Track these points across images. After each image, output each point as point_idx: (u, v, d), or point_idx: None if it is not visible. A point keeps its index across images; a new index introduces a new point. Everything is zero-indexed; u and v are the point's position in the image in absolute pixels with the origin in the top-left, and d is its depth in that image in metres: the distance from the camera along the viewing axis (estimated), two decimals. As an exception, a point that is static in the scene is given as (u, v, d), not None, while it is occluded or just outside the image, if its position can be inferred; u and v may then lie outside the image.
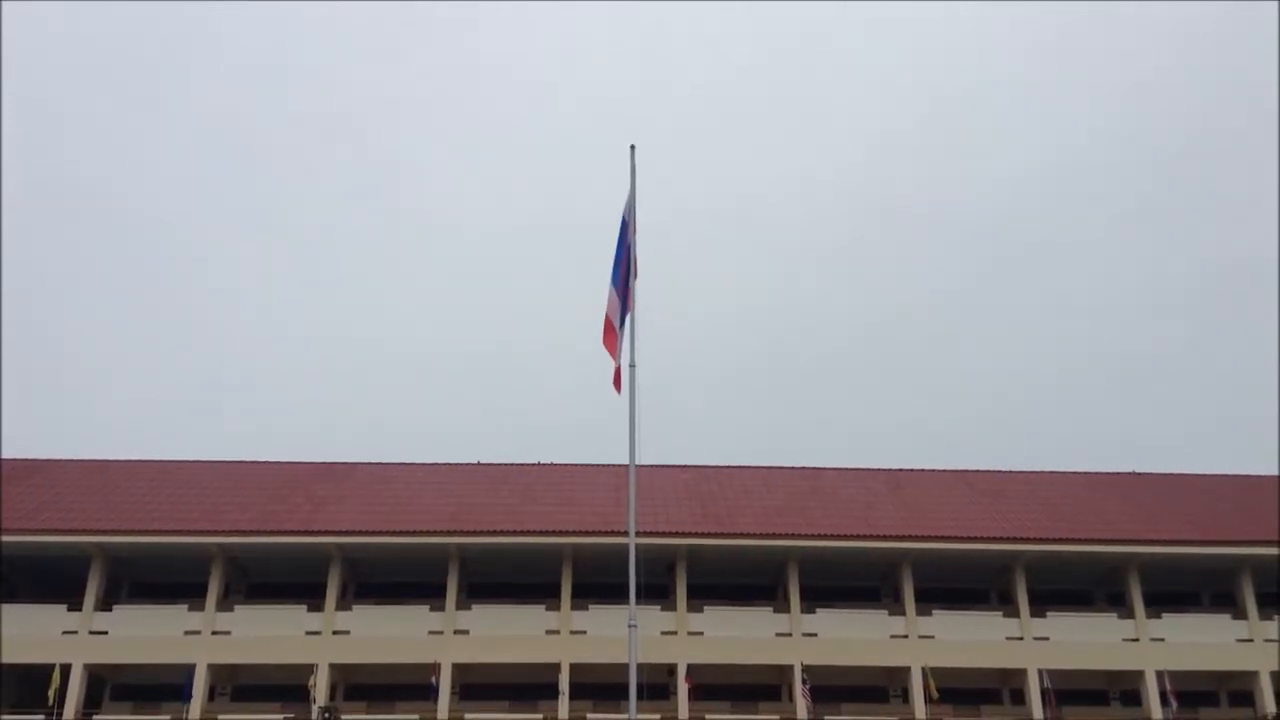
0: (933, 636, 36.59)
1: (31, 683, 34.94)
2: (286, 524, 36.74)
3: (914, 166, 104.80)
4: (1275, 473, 45.45)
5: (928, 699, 35.00)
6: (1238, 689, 37.64)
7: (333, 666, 35.43)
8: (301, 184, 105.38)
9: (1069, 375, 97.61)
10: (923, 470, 44.55)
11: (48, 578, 37.99)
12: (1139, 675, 36.29)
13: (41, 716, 33.83)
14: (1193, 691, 37.00)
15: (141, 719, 36.25)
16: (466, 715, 35.53)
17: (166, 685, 35.38)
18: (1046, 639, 36.72)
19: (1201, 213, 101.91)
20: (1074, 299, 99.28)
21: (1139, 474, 45.26)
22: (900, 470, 44.41)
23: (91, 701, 36.02)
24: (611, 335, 19.00)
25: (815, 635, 36.45)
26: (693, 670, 35.34)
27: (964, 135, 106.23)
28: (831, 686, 36.04)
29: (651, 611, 35.36)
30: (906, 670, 35.93)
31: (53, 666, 34.04)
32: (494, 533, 36.41)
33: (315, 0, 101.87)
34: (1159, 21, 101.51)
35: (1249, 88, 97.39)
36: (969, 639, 36.54)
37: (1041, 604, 37.75)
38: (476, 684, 37.02)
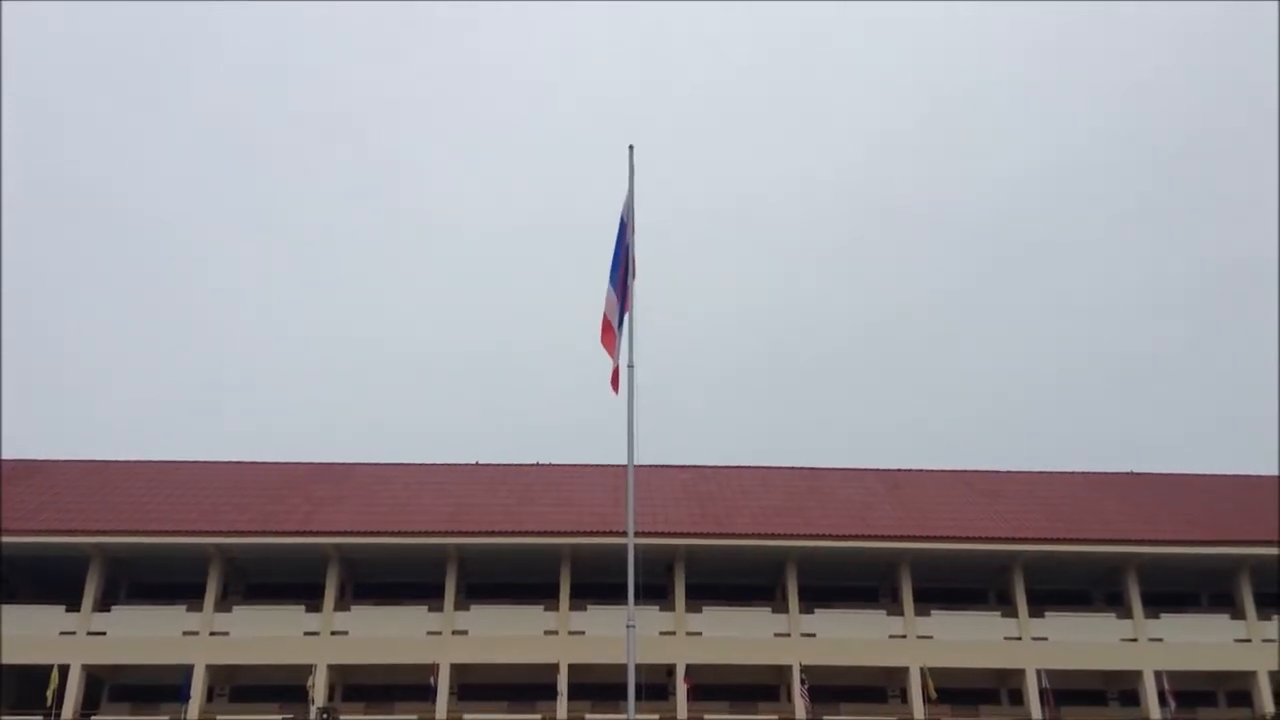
0: (931, 636, 36.61)
1: (30, 683, 34.91)
2: (285, 524, 36.74)
3: (914, 166, 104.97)
4: (1274, 473, 45.52)
5: (926, 699, 35.02)
6: (1236, 689, 37.66)
7: (331, 667, 35.42)
8: (301, 184, 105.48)
9: (1069, 375, 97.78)
10: (921, 470, 44.57)
11: (46, 578, 37.97)
12: (1137, 675, 36.31)
13: (40, 717, 33.81)
14: (1191, 691, 37.02)
15: (140, 720, 36.30)
16: (465, 716, 35.54)
17: (165, 686, 35.34)
18: (1045, 639, 36.74)
19: (1201, 213, 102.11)
20: (1074, 299, 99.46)
21: (1137, 474, 45.29)
22: (898, 470, 44.43)
23: (90, 702, 36.01)
24: (610, 335, 18.99)
25: (814, 635, 36.46)
26: (691, 670, 35.36)
27: (964, 135, 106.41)
28: (830, 687, 36.04)
29: (650, 612, 35.34)
30: (905, 670, 35.94)
31: (51, 667, 34.03)
32: (492, 533, 36.41)
33: (315, 0, 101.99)
34: (1159, 21, 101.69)
35: (1249, 88, 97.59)
36: (967, 639, 36.56)
37: (1040, 604, 37.77)
38: (475, 684, 37.02)
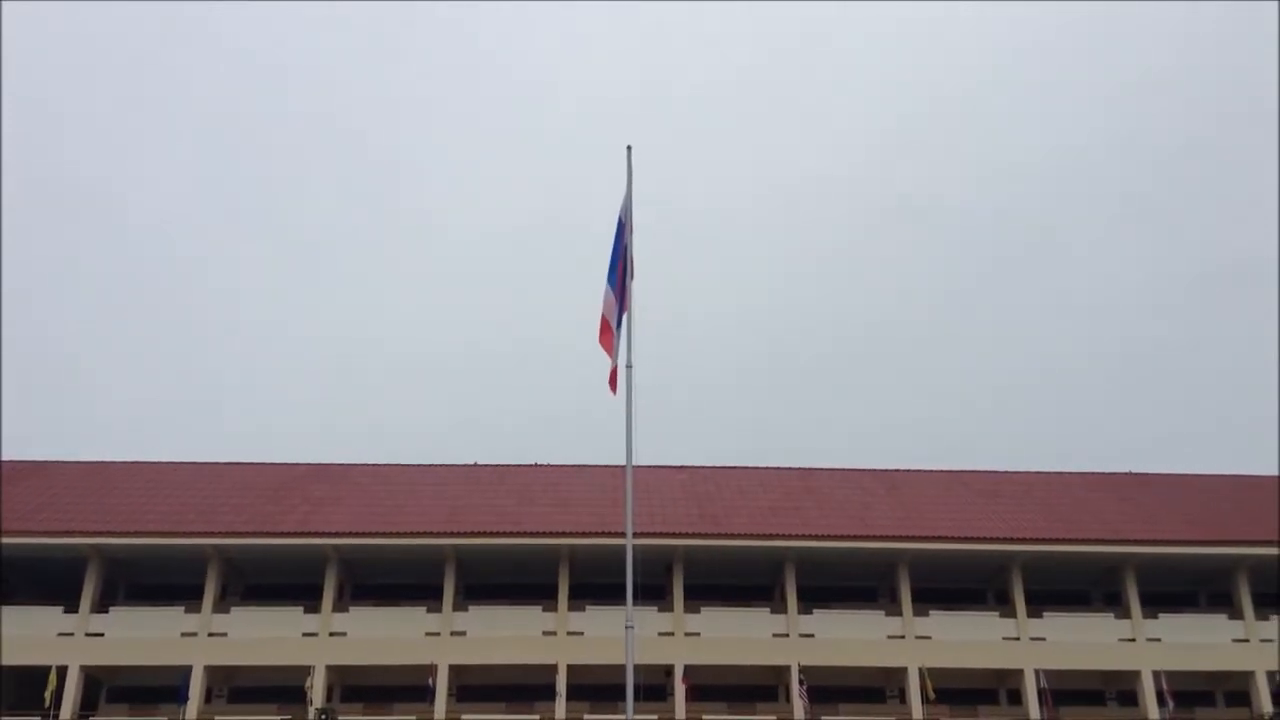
0: (929, 637, 36.61)
1: (28, 684, 34.87)
2: (283, 525, 36.72)
3: (914, 166, 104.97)
4: (1274, 473, 45.55)
5: (925, 699, 35.02)
6: (1234, 689, 37.69)
7: (329, 668, 35.40)
8: (301, 184, 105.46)
9: (1068, 375, 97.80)
10: (919, 470, 44.60)
11: (44, 579, 37.94)
12: (1135, 675, 36.31)
13: (38, 718, 33.78)
14: (1189, 691, 37.03)
15: (138, 721, 36.24)
16: (463, 716, 35.53)
17: (163, 687, 35.30)
18: (1043, 639, 36.75)
19: (1201, 213, 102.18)
20: (1074, 299, 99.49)
21: (1135, 474, 45.33)
22: (896, 470, 44.46)
23: (88, 703, 35.98)
24: (608, 335, 19.02)
25: (812, 636, 36.46)
26: (690, 671, 35.35)
27: (964, 135, 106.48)
28: (828, 687, 36.04)
29: (648, 612, 35.34)
30: (903, 670, 35.94)
31: (49, 668, 33.99)
32: (491, 534, 36.40)
33: (315, 0, 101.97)
34: (1159, 21, 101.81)
35: (1249, 88, 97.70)
36: (966, 639, 36.57)
37: (1038, 604, 37.77)
38: (473, 685, 37.01)
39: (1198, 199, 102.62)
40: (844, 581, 39.09)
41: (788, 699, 35.90)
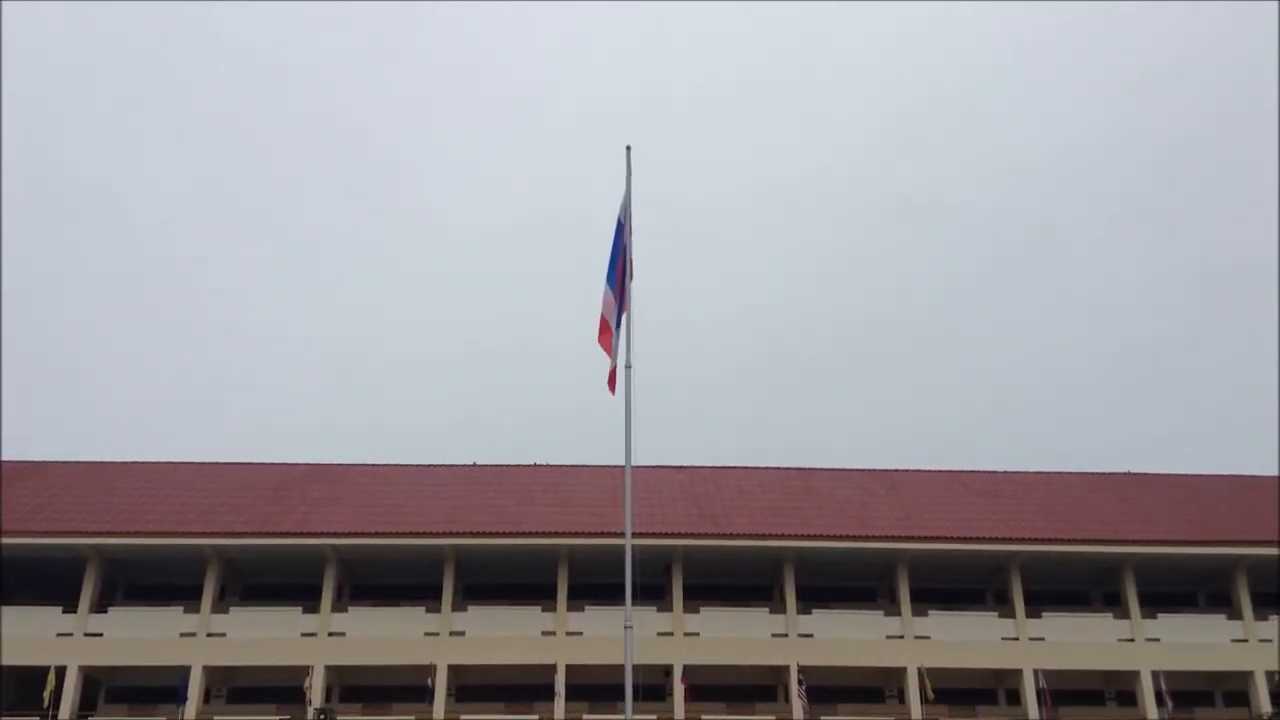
0: (928, 637, 36.62)
1: (27, 685, 34.86)
2: (282, 525, 36.71)
3: (913, 166, 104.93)
4: (1273, 473, 45.56)
5: (923, 699, 35.03)
6: (1233, 689, 37.70)
7: (328, 668, 35.39)
8: (301, 184, 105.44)
9: (1067, 375, 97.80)
10: (918, 470, 44.61)
11: (43, 579, 37.91)
12: (1134, 675, 36.32)
13: (37, 718, 33.76)
14: (1188, 691, 37.05)
15: (137, 721, 36.23)
16: (462, 716, 35.52)
17: (162, 687, 35.29)
18: (1042, 639, 36.76)
19: (1201, 213, 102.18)
20: (1073, 299, 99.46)
21: (1134, 474, 45.34)
22: (895, 471, 44.47)
23: (87, 704, 35.96)
24: (607, 335, 19.06)
25: (811, 636, 36.46)
26: (689, 671, 35.35)
27: (964, 135, 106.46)
28: (827, 687, 36.04)
29: (647, 612, 35.34)
30: (902, 670, 35.95)
31: (48, 668, 33.98)
32: (490, 534, 36.39)
33: (315, 0, 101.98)
34: (1159, 21, 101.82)
35: (1249, 88, 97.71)
36: (964, 639, 36.57)
37: (1037, 604, 37.78)
38: (472, 685, 37.01)
39: (1198, 199, 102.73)
40: (843, 581, 39.09)
41: (787, 699, 35.90)
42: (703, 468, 43.94)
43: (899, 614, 37.00)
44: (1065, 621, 37.49)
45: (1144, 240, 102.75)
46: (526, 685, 35.78)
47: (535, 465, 44.15)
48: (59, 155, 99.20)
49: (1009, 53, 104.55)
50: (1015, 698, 36.94)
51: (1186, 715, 37.03)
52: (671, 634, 36.04)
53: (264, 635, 35.73)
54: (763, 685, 37.53)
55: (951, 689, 36.36)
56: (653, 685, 34.67)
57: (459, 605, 37.03)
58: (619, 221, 19.90)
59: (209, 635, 35.72)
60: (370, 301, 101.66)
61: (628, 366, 18.86)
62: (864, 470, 44.35)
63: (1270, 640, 36.79)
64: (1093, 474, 44.97)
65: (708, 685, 36.30)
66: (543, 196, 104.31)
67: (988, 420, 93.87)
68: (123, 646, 35.48)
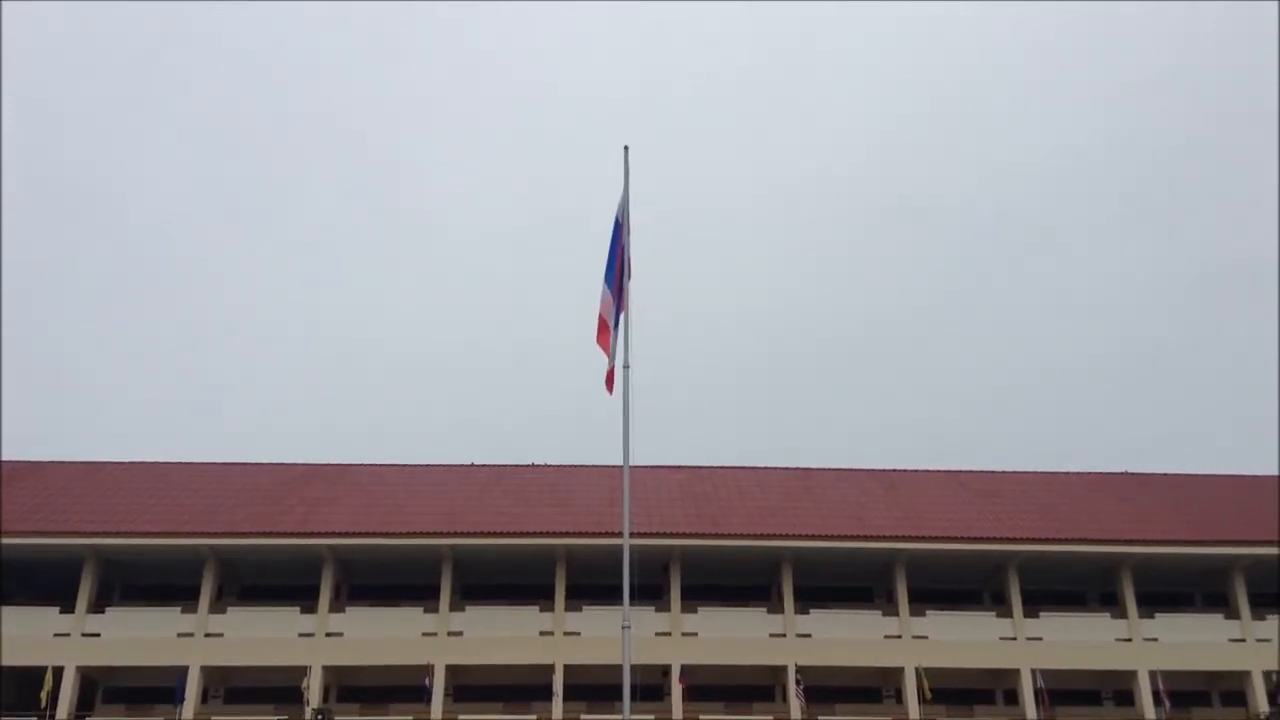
0: (926, 637, 36.63)
1: (24, 685, 34.82)
2: (280, 526, 36.68)
3: (913, 166, 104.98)
4: (1273, 473, 45.58)
5: (921, 699, 35.05)
6: (1230, 689, 37.73)
7: (326, 668, 35.37)
8: (301, 184, 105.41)
9: (1068, 375, 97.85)
10: (916, 470, 44.62)
11: (40, 580, 37.86)
12: (1132, 675, 36.34)
13: (34, 719, 33.72)
14: (1186, 691, 37.07)
15: (134, 721, 36.20)
16: (460, 717, 35.50)
17: (159, 688, 35.26)
18: (1040, 639, 36.77)
19: (1201, 213, 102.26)
20: (1073, 299, 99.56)
21: (1132, 474, 45.36)
22: (893, 470, 44.48)
23: (84, 704, 35.93)
24: (605, 335, 19.07)
25: (809, 636, 36.46)
26: (687, 671, 35.34)
27: (963, 135, 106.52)
28: (825, 687, 36.05)
29: (646, 612, 35.34)
30: (900, 670, 35.96)
31: (45, 669, 33.94)
32: (488, 534, 36.38)
33: (315, 0, 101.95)
34: (1159, 21, 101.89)
35: (1249, 88, 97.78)
36: (962, 639, 36.58)
37: (1035, 604, 37.79)
38: (470, 685, 36.99)
39: (1198, 199, 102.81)
40: (841, 581, 39.09)
41: (785, 699, 35.90)
42: (701, 468, 43.93)
43: (897, 614, 37.01)
44: (1063, 621, 37.50)
45: (1144, 240, 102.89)
46: (524, 685, 35.78)
47: (533, 465, 44.15)
48: (59, 155, 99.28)
49: (1009, 53, 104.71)
50: (1013, 697, 36.95)
51: (1184, 715, 37.06)
52: (669, 634, 36.04)
53: (262, 635, 35.70)
54: (761, 685, 37.53)
55: (949, 689, 36.37)
56: (651, 685, 34.67)
57: (457, 605, 37.01)
58: (617, 221, 19.92)
59: (206, 635, 35.69)
60: (370, 301, 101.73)
61: (626, 366, 18.87)
62: (862, 470, 44.36)
63: (1267, 640, 36.82)
64: (1091, 474, 45.00)
65: (706, 685, 36.29)
66: (543, 196, 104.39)
67: (987, 420, 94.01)
68: (120, 647, 35.44)
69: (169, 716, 34.31)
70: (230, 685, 37.42)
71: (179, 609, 36.39)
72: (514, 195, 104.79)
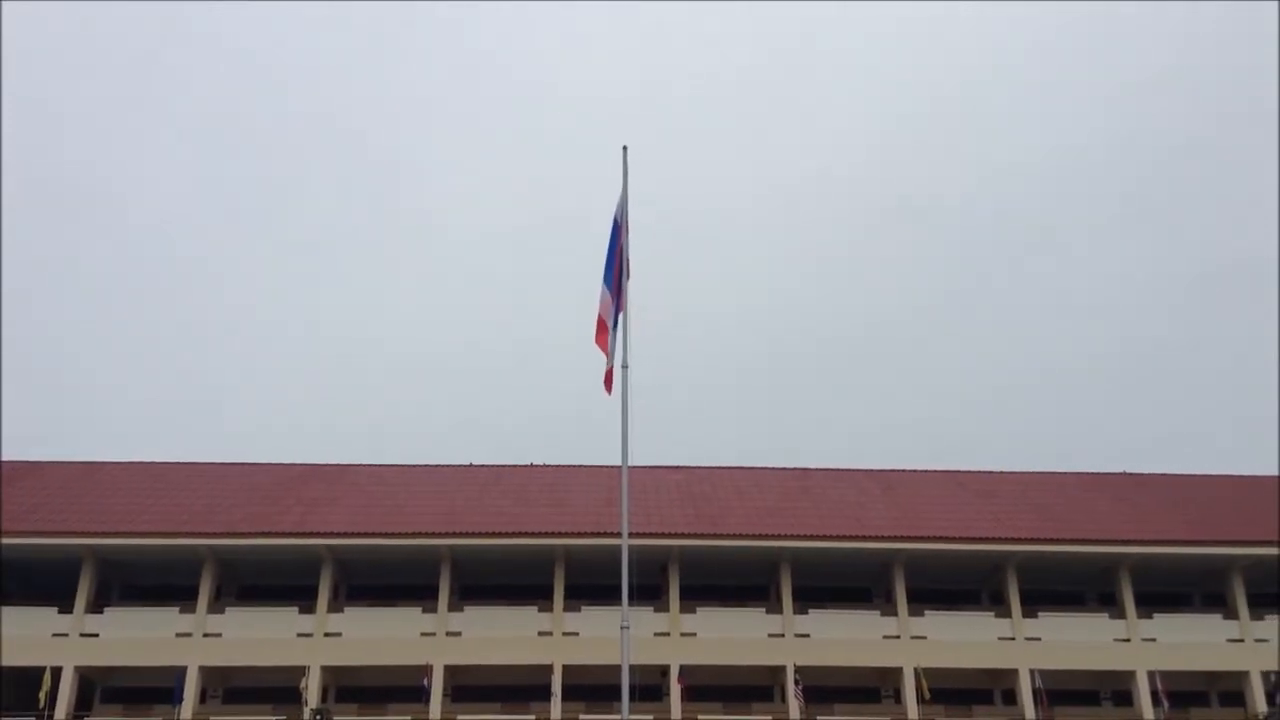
0: (925, 637, 36.63)
1: (22, 685, 34.80)
2: (278, 526, 36.66)
3: (913, 166, 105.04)
4: (1273, 473, 45.61)
5: (920, 699, 35.05)
6: (1229, 689, 37.74)
7: (324, 668, 35.35)
8: (301, 184, 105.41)
9: (1068, 375, 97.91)
10: (914, 470, 44.64)
11: (39, 580, 37.84)
12: (1130, 675, 36.36)
13: (33, 719, 33.70)
14: (1184, 691, 37.06)
15: (132, 721, 36.18)
16: (459, 717, 35.50)
17: (157, 688, 35.25)
18: (1038, 639, 36.78)
19: (1201, 213, 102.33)
20: (1072, 298, 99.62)
21: (1130, 474, 45.39)
22: (892, 471, 44.50)
23: (82, 704, 35.90)
24: (604, 335, 19.07)
25: (808, 636, 36.46)
26: (685, 671, 35.33)
27: (963, 135, 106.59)
28: (824, 687, 36.05)
29: (644, 613, 35.35)
30: (899, 670, 35.96)
31: (43, 669, 33.92)
32: (486, 534, 36.37)
33: (315, 0, 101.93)
34: (1159, 21, 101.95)
35: (1249, 88, 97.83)
36: (961, 639, 36.59)
37: (1033, 604, 37.78)
38: (469, 685, 36.99)
39: (1198, 199, 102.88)
40: (839, 582, 39.10)
41: (783, 699, 35.91)
42: (700, 468, 43.95)
43: (895, 614, 37.02)
44: (1061, 621, 37.51)
45: (1144, 240, 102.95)
46: (523, 686, 35.79)
47: (532, 465, 44.15)
48: (59, 155, 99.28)
49: (1009, 53, 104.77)
50: (1011, 697, 36.96)
51: (1182, 715, 37.06)
52: (668, 634, 36.03)
53: (260, 635, 35.67)
54: (759, 685, 37.53)
55: (948, 689, 36.37)
56: (649, 685, 34.70)
57: (455, 606, 37.01)
58: (615, 221, 19.94)
59: (205, 635, 35.67)
60: (370, 301, 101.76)
61: (624, 367, 18.87)
62: (860, 470, 44.39)
63: (1266, 640, 36.83)
64: (1089, 474, 45.02)
65: (704, 685, 36.29)
66: (543, 196, 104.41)
67: (987, 420, 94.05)
68: (118, 647, 35.42)
69: (167, 717, 34.30)
70: (229, 685, 37.41)
71: (177, 609, 36.36)
72: (514, 195, 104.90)
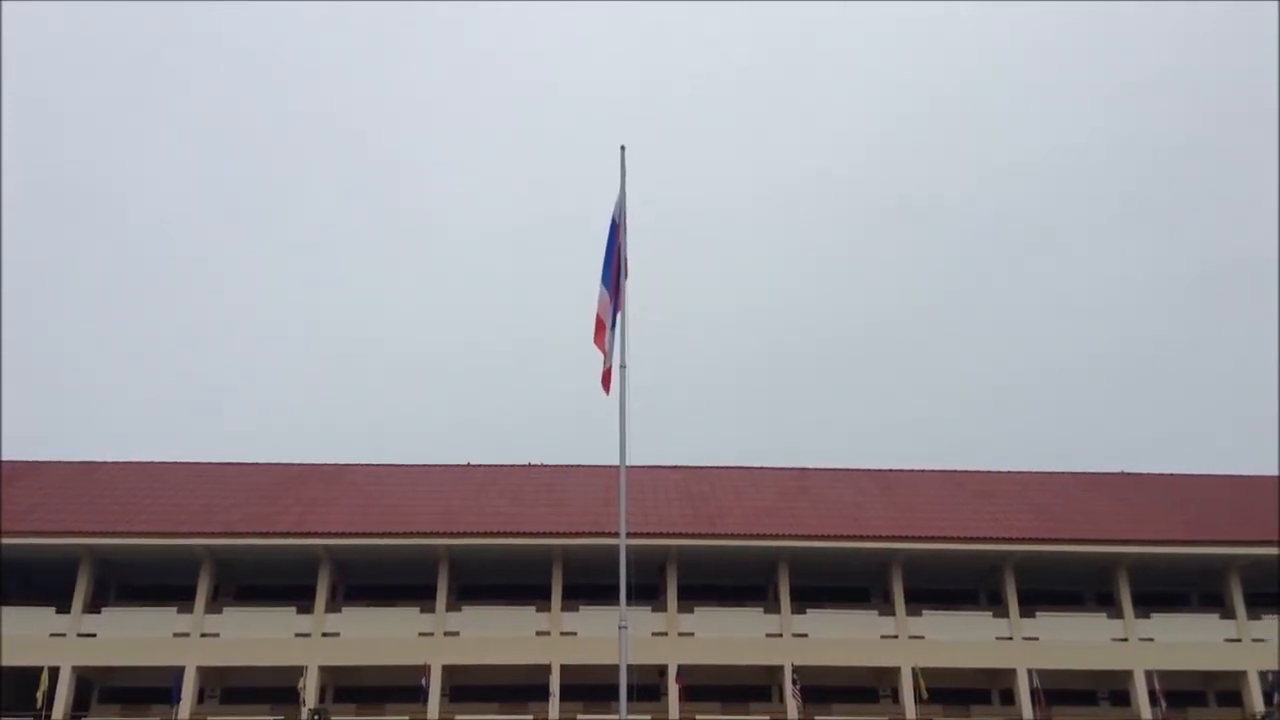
0: (922, 637, 36.64)
1: (20, 685, 34.77)
2: (276, 526, 36.65)
3: (913, 166, 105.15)
4: (1273, 473, 45.64)
5: (918, 699, 35.08)
6: (1226, 689, 37.76)
7: (322, 668, 35.33)
8: (301, 184, 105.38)
9: (1068, 375, 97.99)
10: (912, 470, 44.67)
11: (36, 580, 37.81)
12: (1128, 675, 36.38)
13: (30, 719, 33.67)
14: (1181, 691, 37.11)
15: (130, 721, 36.15)
16: (457, 717, 35.49)
17: (155, 688, 35.23)
18: (1036, 639, 36.80)
19: (1201, 213, 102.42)
20: (1072, 298, 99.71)
21: (1128, 474, 45.44)
22: (890, 470, 44.52)
23: (80, 704, 35.88)
24: (602, 335, 19.08)
25: (805, 636, 36.47)
26: (683, 671, 35.31)
27: (963, 135, 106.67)
28: (822, 687, 36.07)
29: (642, 612, 35.36)
30: (896, 670, 35.98)
31: (41, 669, 33.89)
32: (484, 534, 36.36)
33: (315, 0, 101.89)
34: (1159, 21, 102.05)
35: (1249, 88, 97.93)
36: (958, 639, 36.60)
37: (1031, 604, 37.81)
38: (467, 685, 36.98)
39: (1198, 199, 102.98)
40: (837, 581, 39.11)
41: (781, 699, 35.91)
42: (698, 468, 43.97)
43: (893, 614, 37.02)
44: (1059, 621, 37.53)
45: (1144, 240, 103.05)
46: (521, 686, 35.77)
47: (530, 465, 44.15)
48: (59, 155, 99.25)
49: (1009, 53, 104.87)
50: (1009, 697, 36.98)
51: (1180, 715, 37.10)
52: (666, 634, 36.03)
53: (258, 635, 35.65)
54: (757, 685, 37.54)
55: (946, 689, 36.39)
56: (647, 685, 34.69)
57: (453, 605, 36.99)
58: (613, 221, 19.95)
59: (203, 635, 35.64)
60: (370, 301, 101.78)
61: (623, 366, 18.88)
62: (859, 470, 44.42)
63: (1263, 640, 36.85)
64: (1087, 474, 45.06)
65: (702, 685, 36.28)
66: (543, 196, 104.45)
67: (987, 420, 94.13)
68: (116, 647, 35.39)
69: (165, 717, 34.26)
70: (226, 685, 37.39)
71: (175, 609, 36.33)
72: (514, 195, 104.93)
